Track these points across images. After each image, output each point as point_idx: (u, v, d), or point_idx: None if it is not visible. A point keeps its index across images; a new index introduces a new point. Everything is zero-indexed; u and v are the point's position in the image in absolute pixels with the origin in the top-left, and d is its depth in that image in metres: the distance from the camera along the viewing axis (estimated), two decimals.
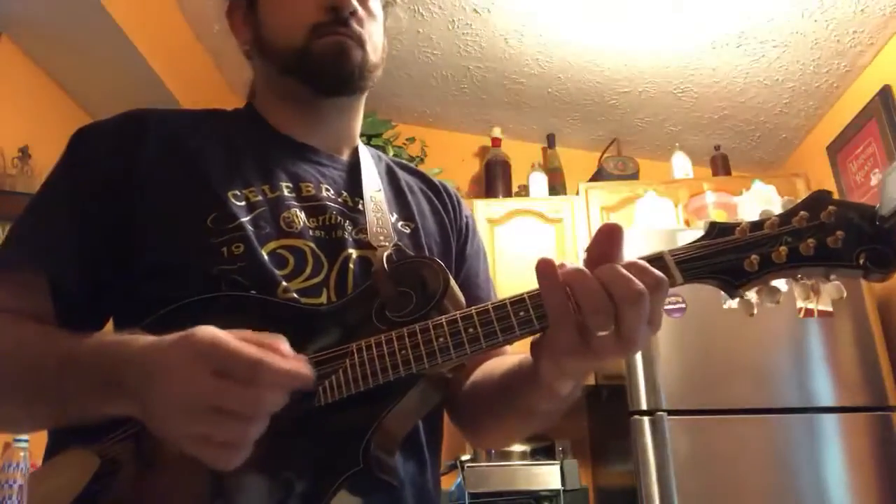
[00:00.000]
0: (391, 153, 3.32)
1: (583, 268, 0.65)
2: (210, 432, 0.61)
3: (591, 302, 0.63)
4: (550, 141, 3.77)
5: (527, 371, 0.77)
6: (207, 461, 0.62)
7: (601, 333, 0.63)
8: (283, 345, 0.65)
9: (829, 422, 2.35)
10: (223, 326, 0.65)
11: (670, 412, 2.33)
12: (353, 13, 0.95)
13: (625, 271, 0.63)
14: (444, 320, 0.72)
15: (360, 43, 0.95)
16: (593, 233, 2.64)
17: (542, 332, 0.69)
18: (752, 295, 0.66)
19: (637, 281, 0.62)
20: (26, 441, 2.29)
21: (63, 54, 2.59)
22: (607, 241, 0.67)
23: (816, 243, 0.63)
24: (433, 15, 2.99)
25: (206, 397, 0.60)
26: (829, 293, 0.64)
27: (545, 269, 0.65)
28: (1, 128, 2.40)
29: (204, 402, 0.60)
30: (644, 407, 2.37)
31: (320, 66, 0.94)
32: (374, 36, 0.99)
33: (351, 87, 0.98)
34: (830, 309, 2.44)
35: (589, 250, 0.68)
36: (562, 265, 0.66)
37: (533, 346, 0.73)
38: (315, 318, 0.80)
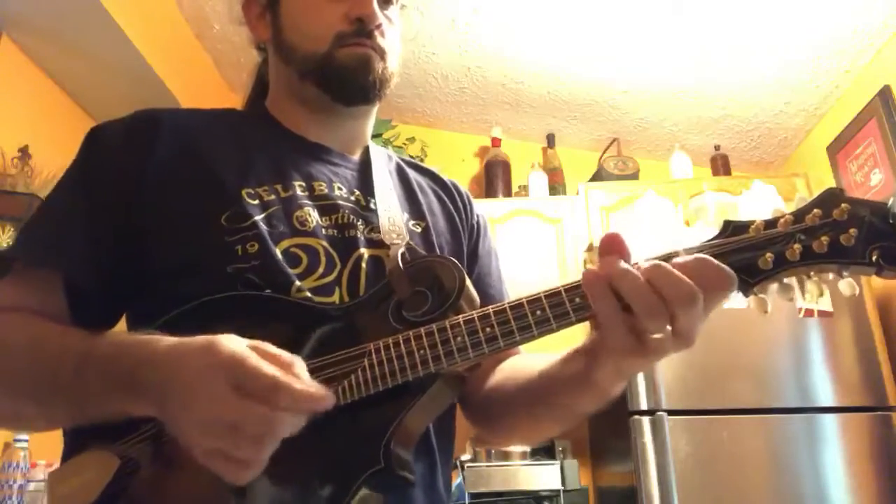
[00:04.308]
0: None
1: (630, 268, 0.64)
2: (225, 448, 0.61)
3: (644, 305, 0.63)
4: (550, 141, 3.77)
5: (573, 373, 0.76)
6: (219, 474, 0.62)
7: (657, 336, 0.64)
8: (301, 365, 0.65)
9: (829, 422, 2.35)
10: (239, 326, 0.65)
11: (670, 412, 2.33)
12: (378, 26, 0.96)
13: (674, 271, 0.63)
14: (461, 319, 0.72)
15: (382, 55, 0.96)
16: (593, 233, 2.64)
17: (561, 330, 0.69)
18: (765, 293, 0.66)
19: (688, 281, 0.62)
20: (26, 441, 2.28)
21: (63, 54, 2.59)
22: (607, 251, 0.68)
23: (830, 241, 0.63)
24: (433, 15, 2.99)
25: (225, 414, 0.60)
26: (842, 290, 0.64)
27: (592, 278, 0.65)
28: (1, 128, 2.39)
29: (222, 419, 0.60)
30: (644, 407, 2.37)
31: (342, 76, 0.95)
32: (395, 45, 1.00)
33: (370, 97, 0.98)
34: (830, 309, 2.45)
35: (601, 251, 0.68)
36: (609, 262, 0.65)
37: (585, 350, 0.74)
38: (331, 317, 0.80)
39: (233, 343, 0.63)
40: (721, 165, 3.52)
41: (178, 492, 0.72)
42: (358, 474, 0.70)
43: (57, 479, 0.77)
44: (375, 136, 3.36)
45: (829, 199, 0.65)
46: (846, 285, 0.63)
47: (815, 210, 0.65)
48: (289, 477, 0.70)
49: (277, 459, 0.63)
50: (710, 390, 2.39)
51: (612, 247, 0.67)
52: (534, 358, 0.92)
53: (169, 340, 0.68)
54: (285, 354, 0.65)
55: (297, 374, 0.63)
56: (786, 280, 0.65)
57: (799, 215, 0.65)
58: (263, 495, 0.69)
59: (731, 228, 0.68)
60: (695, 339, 0.64)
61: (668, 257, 0.67)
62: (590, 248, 3.17)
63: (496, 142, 3.72)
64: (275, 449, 0.62)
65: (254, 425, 0.60)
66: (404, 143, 3.65)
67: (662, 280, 0.63)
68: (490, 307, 0.72)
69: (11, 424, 0.97)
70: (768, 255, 0.65)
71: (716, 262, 0.64)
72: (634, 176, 3.51)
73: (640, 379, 2.40)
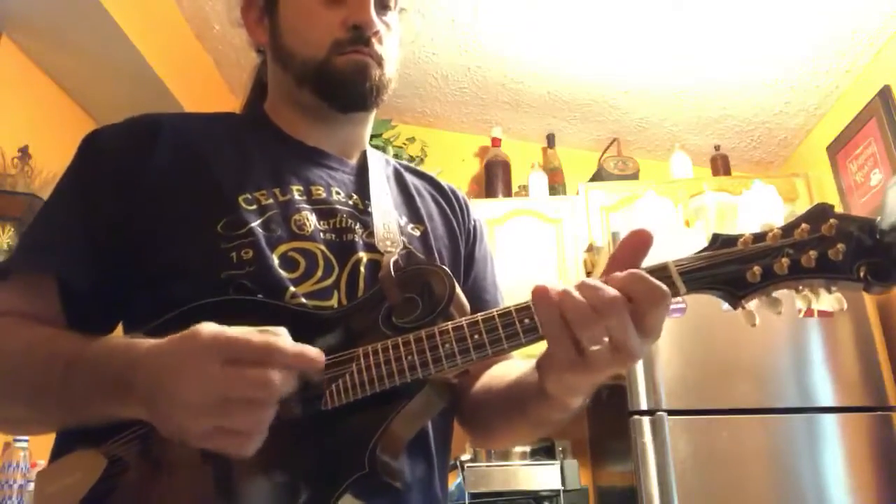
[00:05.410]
0: (391, 153, 3.33)
1: (570, 288, 0.66)
2: (223, 422, 0.62)
3: (576, 316, 0.65)
4: (550, 141, 3.77)
5: (535, 384, 0.78)
6: (224, 451, 0.64)
7: (594, 347, 0.65)
8: (286, 334, 0.67)
9: (829, 422, 2.35)
10: None
11: (670, 412, 2.33)
12: (376, 33, 0.96)
13: (599, 284, 0.65)
14: (450, 327, 0.72)
15: (379, 62, 0.96)
16: (593, 233, 2.63)
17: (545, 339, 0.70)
18: (753, 305, 0.67)
19: (609, 290, 0.64)
20: (26, 441, 2.29)
21: (63, 54, 2.59)
22: (634, 247, 0.69)
23: (818, 256, 0.64)
24: (433, 15, 2.99)
25: (218, 387, 0.61)
26: (829, 304, 0.64)
27: (539, 291, 0.67)
28: (1, 128, 2.40)
29: (215, 393, 0.62)
30: (644, 407, 2.37)
31: (338, 84, 0.95)
32: (392, 51, 1.00)
33: (367, 105, 0.99)
34: (830, 309, 2.43)
35: (615, 254, 0.70)
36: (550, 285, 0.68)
37: (537, 362, 0.75)
38: (322, 322, 0.81)
39: (213, 326, 0.65)
40: (721, 165, 3.52)
41: (165, 492, 0.73)
42: (342, 479, 0.71)
43: (45, 479, 0.78)
44: (375, 135, 3.38)
45: (818, 214, 0.65)
46: (834, 300, 0.64)
47: (804, 225, 0.65)
48: (273, 480, 0.71)
49: (264, 462, 0.64)
50: (710, 390, 2.39)
51: (634, 242, 0.69)
52: (514, 364, 0.94)
53: (151, 340, 0.69)
54: (270, 327, 0.67)
55: (282, 336, 0.66)
56: (774, 293, 0.66)
57: (787, 229, 0.66)
58: (248, 497, 0.70)
59: (720, 241, 0.68)
60: (636, 353, 0.66)
61: (652, 270, 0.68)
62: (590, 249, 3.17)
63: (496, 142, 3.72)
64: (272, 417, 0.63)
65: (247, 388, 0.62)
66: (404, 143, 3.65)
67: (588, 292, 0.65)
68: (478, 315, 0.73)
69: (4, 427, 0.98)
70: (756, 268, 0.65)
71: (647, 276, 0.66)
72: (634, 176, 3.51)
73: (640, 379, 2.40)
